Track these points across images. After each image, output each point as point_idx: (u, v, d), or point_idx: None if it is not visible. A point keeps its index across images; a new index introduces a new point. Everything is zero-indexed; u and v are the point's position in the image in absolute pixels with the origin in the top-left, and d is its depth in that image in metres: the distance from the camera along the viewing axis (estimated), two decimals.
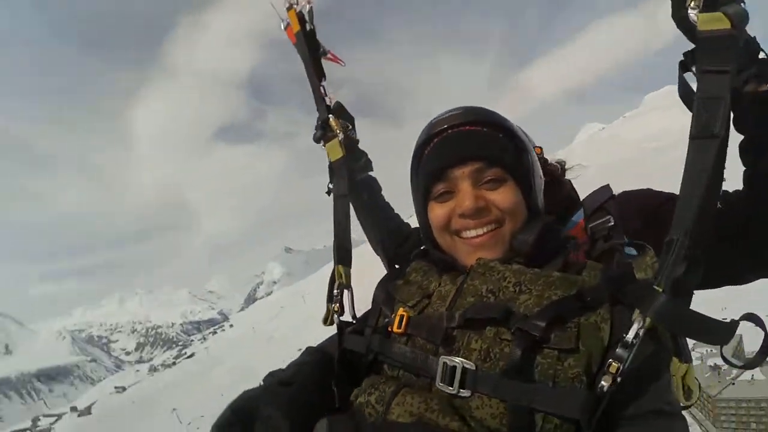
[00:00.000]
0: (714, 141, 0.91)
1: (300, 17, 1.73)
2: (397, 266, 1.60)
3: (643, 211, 1.58)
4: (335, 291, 1.52)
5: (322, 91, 1.76)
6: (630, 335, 0.99)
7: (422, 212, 1.38)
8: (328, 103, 1.74)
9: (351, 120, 1.77)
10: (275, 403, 1.15)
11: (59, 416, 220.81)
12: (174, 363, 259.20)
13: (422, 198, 1.35)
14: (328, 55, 1.78)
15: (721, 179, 0.97)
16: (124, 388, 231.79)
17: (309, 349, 1.49)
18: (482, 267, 1.23)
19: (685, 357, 1.08)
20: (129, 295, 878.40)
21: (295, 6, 1.72)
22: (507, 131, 1.34)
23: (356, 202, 1.74)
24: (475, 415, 1.07)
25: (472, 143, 1.28)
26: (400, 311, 1.25)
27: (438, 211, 1.29)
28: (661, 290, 0.97)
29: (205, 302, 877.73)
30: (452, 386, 1.09)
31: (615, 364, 0.98)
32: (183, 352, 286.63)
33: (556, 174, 1.81)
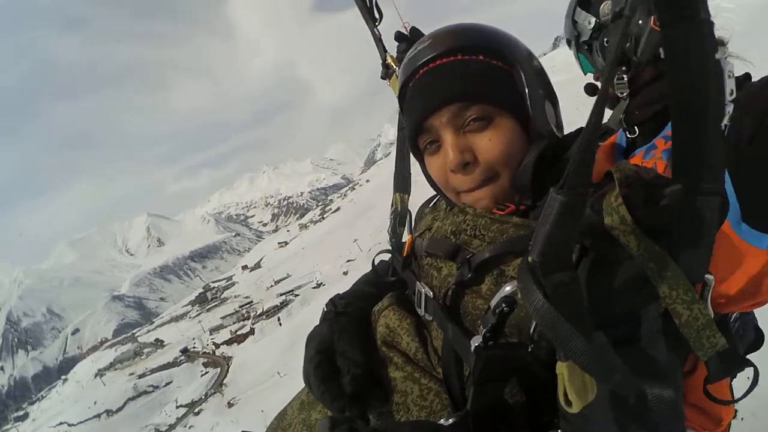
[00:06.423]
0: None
1: None
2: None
3: (762, 113, 1.09)
4: (390, 216, 1.50)
5: (377, 33, 1.77)
6: (494, 300, 0.87)
7: (422, 165, 1.23)
8: (404, 31, 1.66)
9: None
10: (344, 336, 1.18)
11: (229, 278, 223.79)
12: (322, 218, 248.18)
13: (416, 153, 1.22)
14: None
15: None
16: (286, 243, 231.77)
17: (367, 275, 1.52)
18: (457, 208, 1.17)
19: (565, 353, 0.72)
20: (257, 174, 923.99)
21: None
22: (486, 50, 1.08)
23: None
24: (434, 344, 1.11)
25: (443, 82, 1.06)
26: (410, 238, 1.30)
27: (434, 164, 1.14)
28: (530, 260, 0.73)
29: (328, 170, 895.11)
30: (420, 310, 1.15)
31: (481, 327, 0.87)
32: (327, 209, 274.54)
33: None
